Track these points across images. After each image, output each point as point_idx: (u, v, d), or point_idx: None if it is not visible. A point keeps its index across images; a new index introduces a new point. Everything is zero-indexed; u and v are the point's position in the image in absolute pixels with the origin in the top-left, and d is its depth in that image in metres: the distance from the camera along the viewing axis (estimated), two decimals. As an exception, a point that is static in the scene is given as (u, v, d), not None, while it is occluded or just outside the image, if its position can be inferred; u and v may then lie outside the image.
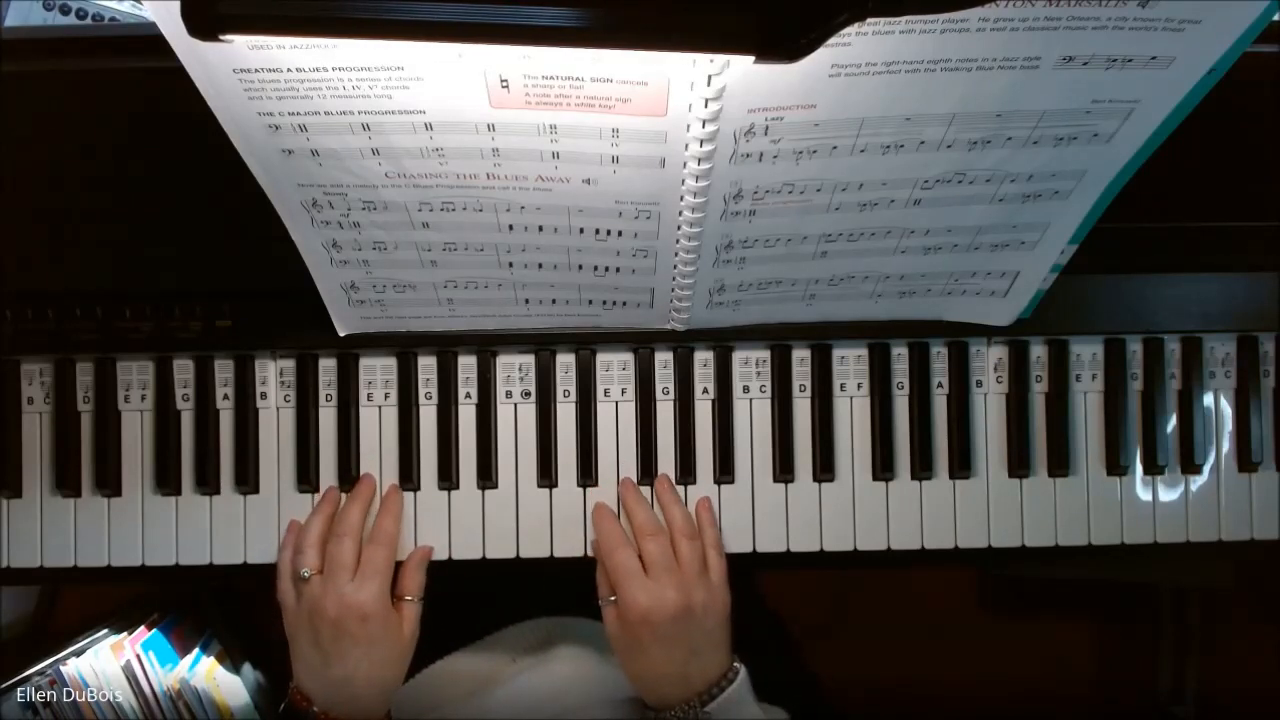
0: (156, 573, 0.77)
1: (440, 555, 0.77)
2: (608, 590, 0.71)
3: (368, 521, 0.75)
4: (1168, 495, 0.78)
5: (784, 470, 0.77)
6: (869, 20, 0.46)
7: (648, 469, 0.77)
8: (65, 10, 0.79)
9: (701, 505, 0.76)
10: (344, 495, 0.76)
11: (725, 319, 0.74)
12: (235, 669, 1.05)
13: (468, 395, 0.78)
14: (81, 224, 0.73)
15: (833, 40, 0.44)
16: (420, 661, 0.79)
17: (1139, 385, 0.79)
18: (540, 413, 0.77)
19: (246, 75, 0.51)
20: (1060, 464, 0.77)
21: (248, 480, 0.77)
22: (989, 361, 0.78)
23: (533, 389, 0.78)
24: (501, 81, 0.52)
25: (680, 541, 0.71)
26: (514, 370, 0.78)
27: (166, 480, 0.77)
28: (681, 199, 0.61)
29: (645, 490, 0.77)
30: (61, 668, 0.94)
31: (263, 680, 1.07)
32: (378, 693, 0.70)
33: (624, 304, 0.72)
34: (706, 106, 0.52)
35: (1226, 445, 0.79)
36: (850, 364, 0.78)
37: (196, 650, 1.03)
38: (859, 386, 0.78)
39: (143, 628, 0.99)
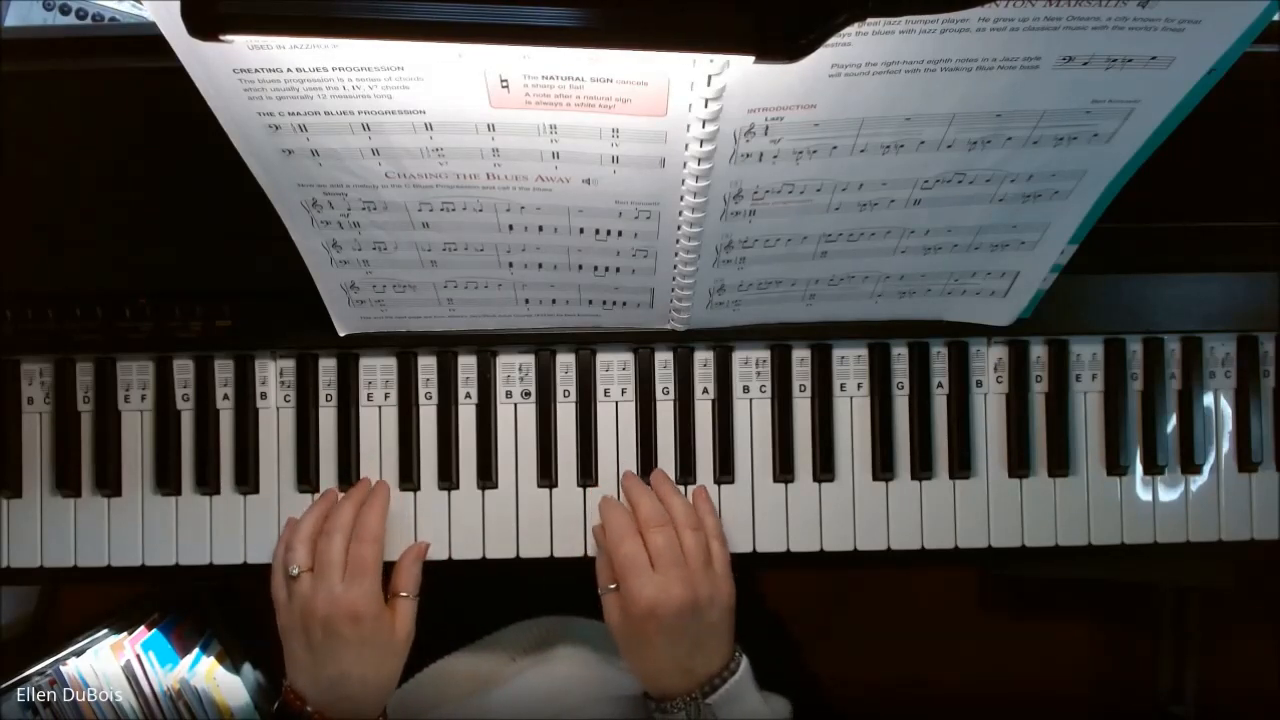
0: (156, 573, 0.77)
1: (440, 555, 0.77)
2: (608, 579, 0.70)
3: None
4: (1168, 495, 0.78)
5: (784, 470, 0.77)
6: (869, 20, 0.46)
7: (648, 469, 0.77)
8: (65, 10, 0.79)
9: (699, 494, 0.76)
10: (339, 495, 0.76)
11: (725, 319, 0.74)
12: (235, 669, 1.05)
13: (468, 395, 0.78)
14: (81, 224, 0.73)
15: (833, 40, 0.44)
16: (420, 661, 0.79)
17: (1139, 385, 0.79)
18: (540, 413, 0.77)
19: (246, 75, 0.51)
20: (1060, 464, 0.77)
21: (248, 480, 0.77)
22: (989, 361, 0.78)
23: (533, 389, 0.78)
24: (501, 81, 0.52)
25: (684, 533, 0.70)
26: (514, 370, 0.78)
27: (166, 480, 0.77)
28: (681, 199, 0.61)
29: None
30: (61, 668, 0.94)
31: (263, 680, 1.07)
32: (372, 692, 0.70)
33: (624, 304, 0.72)
34: (706, 106, 0.52)
35: (1226, 445, 0.79)
36: (850, 364, 0.78)
37: (196, 650, 1.02)
38: (859, 386, 0.78)
39: (143, 628, 0.99)
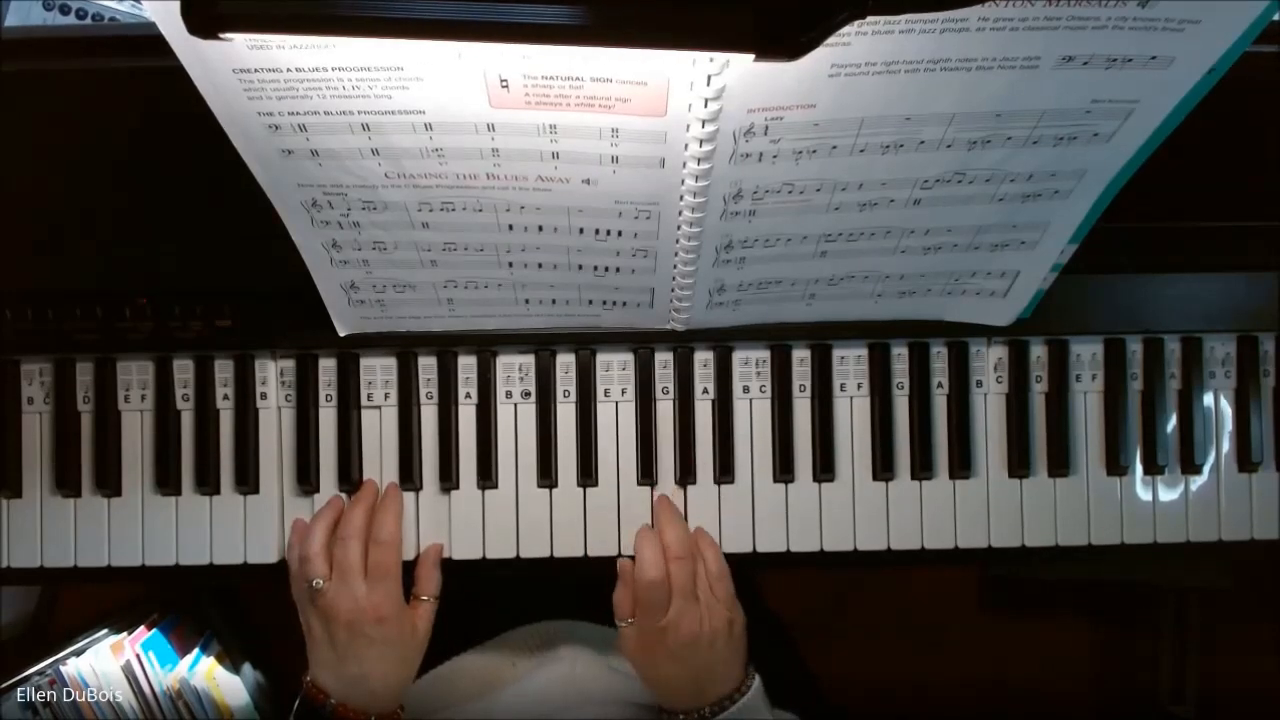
0: (156, 573, 0.77)
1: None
2: (626, 612, 0.72)
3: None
4: (1168, 495, 0.78)
5: (784, 470, 0.77)
6: (868, 19, 0.46)
7: (648, 469, 0.77)
8: (65, 10, 0.79)
9: (699, 533, 0.76)
10: (347, 499, 0.76)
11: (725, 319, 0.74)
12: (235, 669, 1.05)
13: (468, 395, 0.78)
14: (82, 224, 0.73)
15: (832, 40, 0.44)
16: (424, 665, 0.79)
17: (1139, 385, 0.79)
18: (540, 413, 0.77)
19: (246, 75, 0.51)
20: (1060, 464, 0.77)
21: (248, 480, 0.77)
22: (989, 361, 0.78)
23: (533, 389, 0.78)
24: (501, 81, 0.52)
25: (696, 565, 0.72)
26: (514, 370, 0.78)
27: (166, 480, 0.76)
28: (681, 199, 0.61)
29: (645, 490, 0.77)
30: (61, 668, 0.94)
31: (263, 680, 1.07)
32: (393, 686, 0.72)
33: (624, 304, 0.72)
34: (706, 106, 0.52)
35: (1226, 445, 0.79)
36: (850, 364, 0.78)
37: (196, 650, 1.03)
38: (859, 386, 0.78)
39: (143, 628, 0.99)
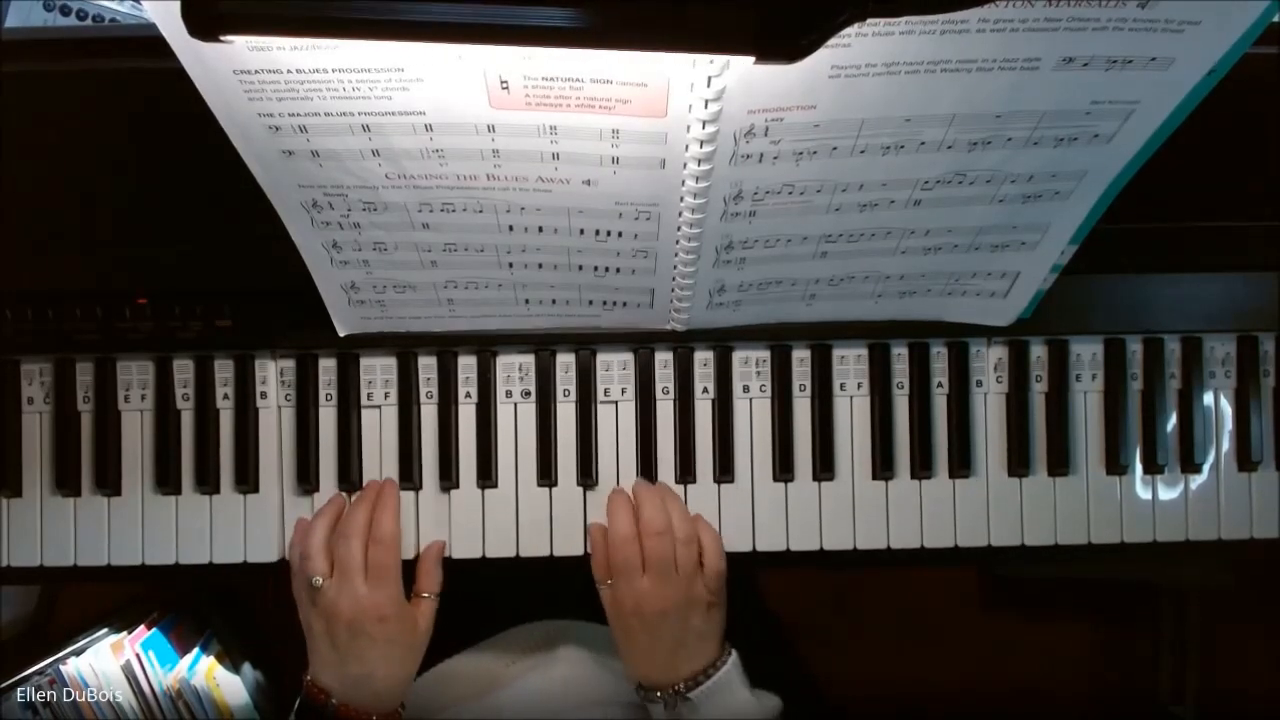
0: (156, 572, 0.77)
1: (440, 554, 0.77)
2: (604, 575, 0.73)
3: None
4: (1167, 494, 0.78)
5: (784, 470, 0.77)
6: (869, 21, 0.46)
7: (648, 469, 0.77)
8: (65, 10, 0.79)
9: (697, 518, 0.76)
10: (349, 498, 0.76)
11: (725, 319, 0.74)
12: (235, 669, 1.05)
13: (468, 395, 0.78)
14: (82, 224, 0.73)
15: (833, 41, 0.44)
16: (421, 665, 0.79)
17: (1139, 385, 0.79)
18: (540, 413, 0.77)
19: (246, 76, 0.51)
20: (1060, 463, 0.77)
21: (248, 480, 0.77)
22: (989, 361, 0.78)
23: (533, 389, 0.78)
24: (501, 82, 0.52)
25: (678, 544, 0.72)
26: (514, 370, 0.78)
27: (166, 480, 0.77)
28: (681, 200, 0.61)
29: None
30: (61, 667, 0.94)
31: (263, 680, 1.07)
32: (395, 686, 0.72)
33: (624, 304, 0.72)
34: (706, 107, 0.52)
35: (1226, 445, 0.79)
36: (850, 364, 0.78)
37: (196, 650, 1.03)
38: (859, 386, 0.78)
39: (143, 627, 0.99)
